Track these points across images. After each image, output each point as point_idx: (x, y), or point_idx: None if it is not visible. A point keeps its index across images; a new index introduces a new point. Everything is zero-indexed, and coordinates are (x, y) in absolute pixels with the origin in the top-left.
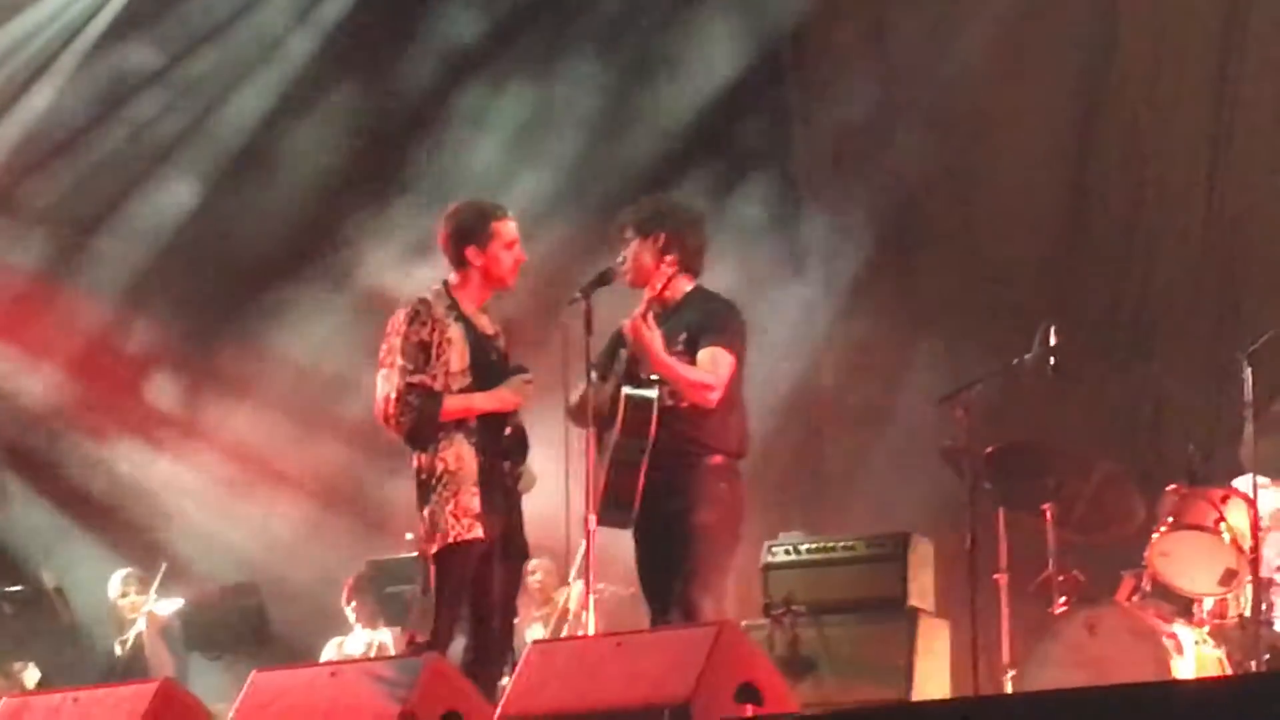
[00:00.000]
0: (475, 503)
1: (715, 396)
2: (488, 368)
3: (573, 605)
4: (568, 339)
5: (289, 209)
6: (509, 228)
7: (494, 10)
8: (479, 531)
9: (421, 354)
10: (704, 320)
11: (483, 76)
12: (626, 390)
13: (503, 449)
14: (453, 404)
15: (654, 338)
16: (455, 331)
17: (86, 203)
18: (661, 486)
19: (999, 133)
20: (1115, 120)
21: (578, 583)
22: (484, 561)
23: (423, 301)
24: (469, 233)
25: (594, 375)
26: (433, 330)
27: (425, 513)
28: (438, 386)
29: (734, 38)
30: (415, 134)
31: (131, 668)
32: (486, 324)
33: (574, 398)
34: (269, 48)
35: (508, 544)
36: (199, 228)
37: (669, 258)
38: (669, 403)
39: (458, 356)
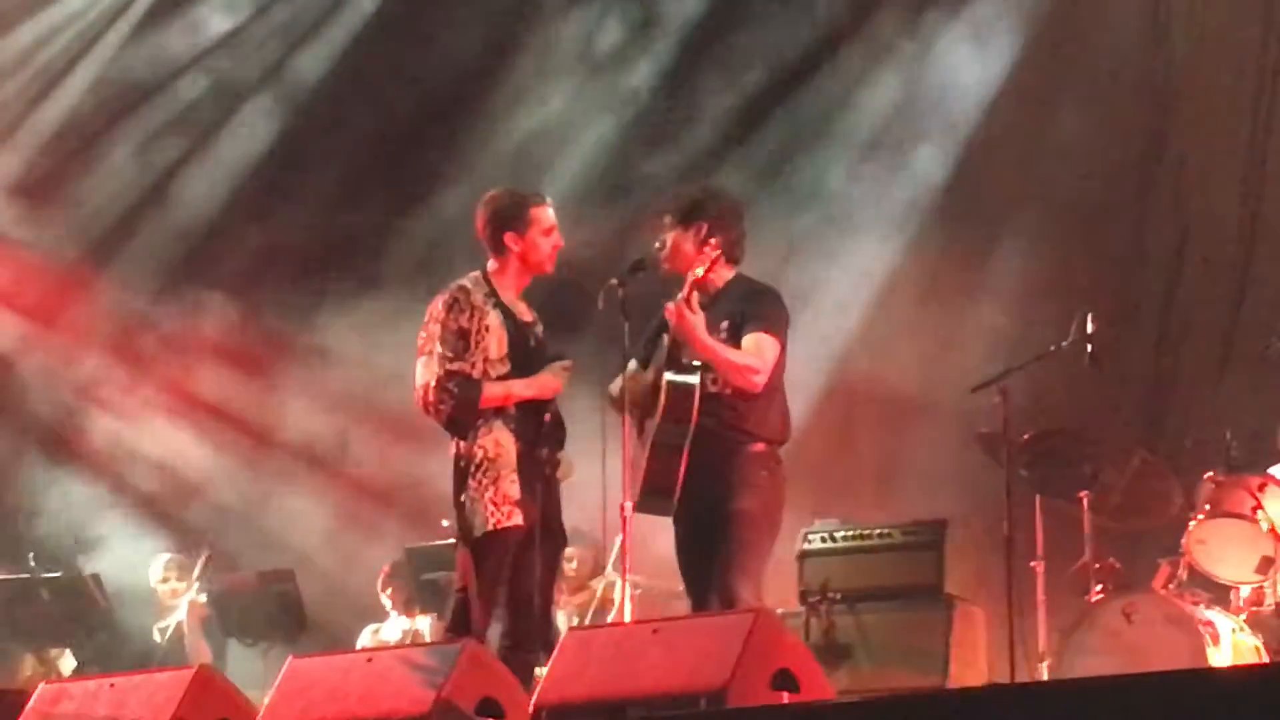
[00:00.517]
0: (515, 490)
1: (760, 380)
2: (526, 354)
3: (615, 595)
4: (604, 325)
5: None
6: (547, 214)
7: None
8: (518, 519)
9: (460, 341)
10: (747, 307)
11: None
12: (668, 376)
13: (541, 436)
14: (492, 391)
15: (697, 321)
16: (494, 318)
17: (127, 188)
18: (703, 473)
19: (1032, 125)
20: (1150, 110)
21: (614, 574)
22: (522, 548)
23: (461, 289)
24: (507, 219)
25: (635, 362)
26: (471, 317)
27: (463, 499)
28: (476, 374)
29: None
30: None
31: (170, 655)
32: (524, 310)
33: (615, 385)
34: None
35: (546, 531)
36: (239, 213)
37: (714, 245)
38: (711, 389)
39: (496, 343)
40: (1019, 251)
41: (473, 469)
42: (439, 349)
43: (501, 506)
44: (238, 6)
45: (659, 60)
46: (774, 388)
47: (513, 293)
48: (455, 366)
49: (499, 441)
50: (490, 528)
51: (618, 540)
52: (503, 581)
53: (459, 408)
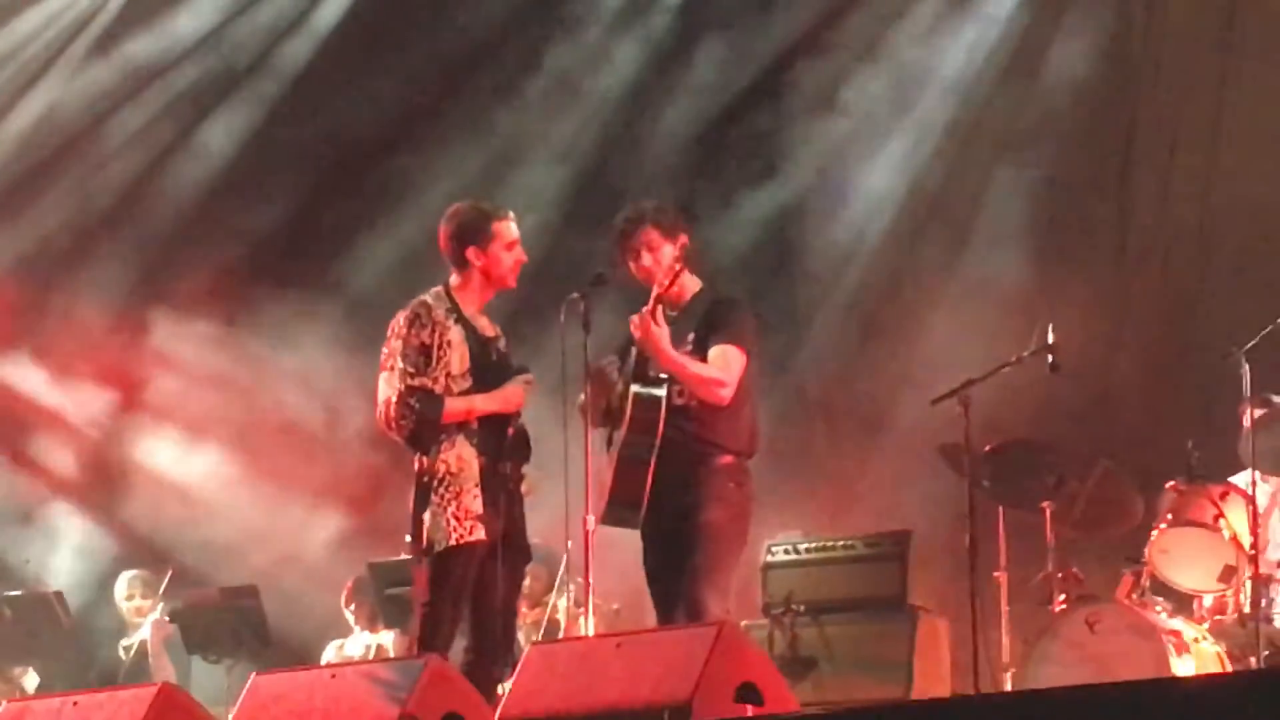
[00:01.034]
0: (477, 504)
1: (727, 393)
2: (489, 369)
3: (560, 616)
4: (566, 339)
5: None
6: (509, 228)
7: None
8: (481, 533)
9: (422, 357)
10: (714, 318)
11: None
12: (635, 388)
13: (505, 450)
14: (454, 406)
15: (662, 335)
16: (456, 333)
17: (98, 192)
18: (670, 485)
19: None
20: (1115, 120)
21: (560, 595)
22: (486, 563)
23: (423, 304)
24: (469, 233)
25: (609, 357)
26: (433, 332)
27: (425, 515)
28: (439, 389)
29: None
30: None
31: (134, 672)
32: (487, 325)
33: (580, 398)
34: None
35: (509, 546)
36: (209, 222)
37: (680, 258)
38: (679, 401)
39: (458, 359)
40: (980, 262)
41: (435, 484)
42: (400, 364)
43: (464, 521)
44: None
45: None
46: (742, 400)
47: (475, 307)
48: (417, 382)
49: (461, 456)
50: (453, 542)
51: (565, 559)
52: (466, 596)
53: (421, 423)
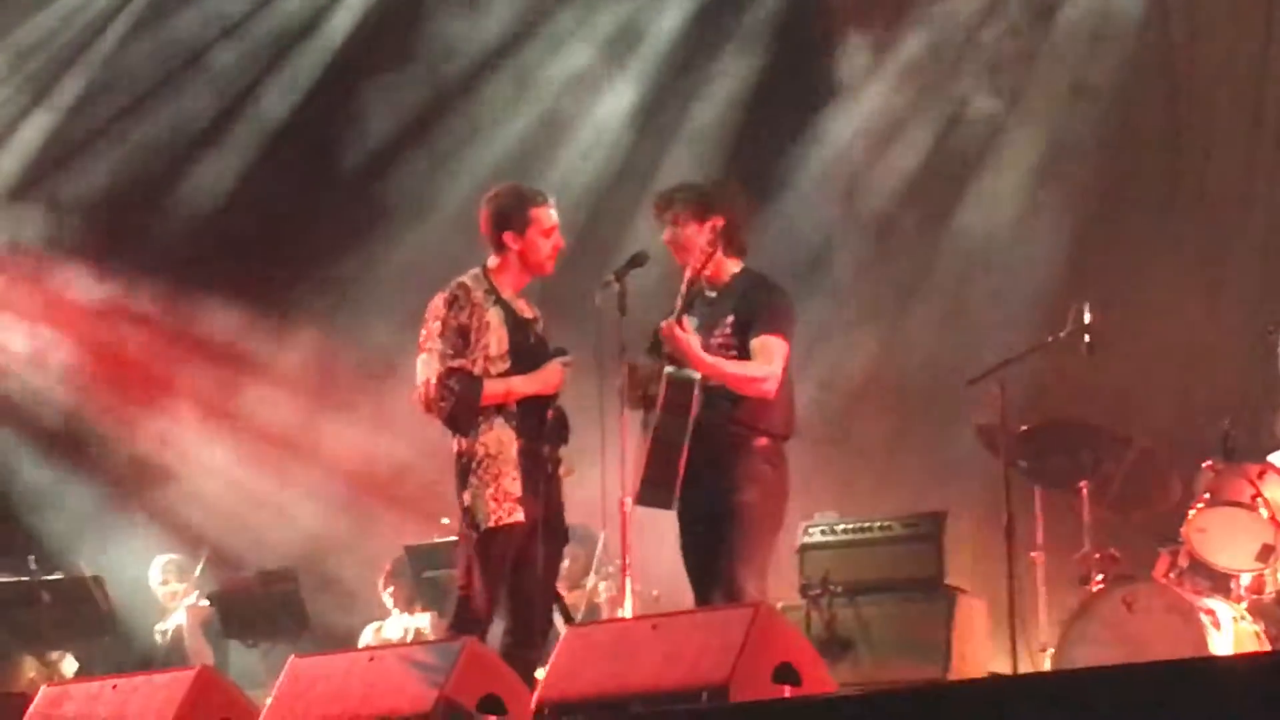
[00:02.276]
0: (516, 486)
1: (771, 387)
2: (527, 351)
3: (600, 600)
4: (602, 322)
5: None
6: (547, 214)
7: None
8: (519, 515)
9: (460, 338)
10: (754, 307)
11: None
12: (668, 370)
13: (543, 433)
14: (493, 388)
15: (692, 341)
16: (494, 315)
17: (125, 182)
18: (706, 467)
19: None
20: (1150, 98)
21: (597, 577)
22: (525, 545)
23: (461, 286)
24: (507, 218)
25: (641, 356)
26: (471, 314)
27: (465, 497)
28: (477, 371)
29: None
30: None
31: (171, 656)
32: (524, 307)
33: (619, 382)
34: None
35: (548, 528)
36: (239, 212)
37: (713, 241)
38: (714, 384)
39: (496, 341)
40: (1019, 241)
41: (474, 466)
42: (439, 346)
43: (503, 503)
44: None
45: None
46: (779, 383)
47: (512, 290)
48: (456, 364)
49: (500, 439)
50: (492, 524)
51: (602, 540)
52: (505, 578)
53: (460, 405)
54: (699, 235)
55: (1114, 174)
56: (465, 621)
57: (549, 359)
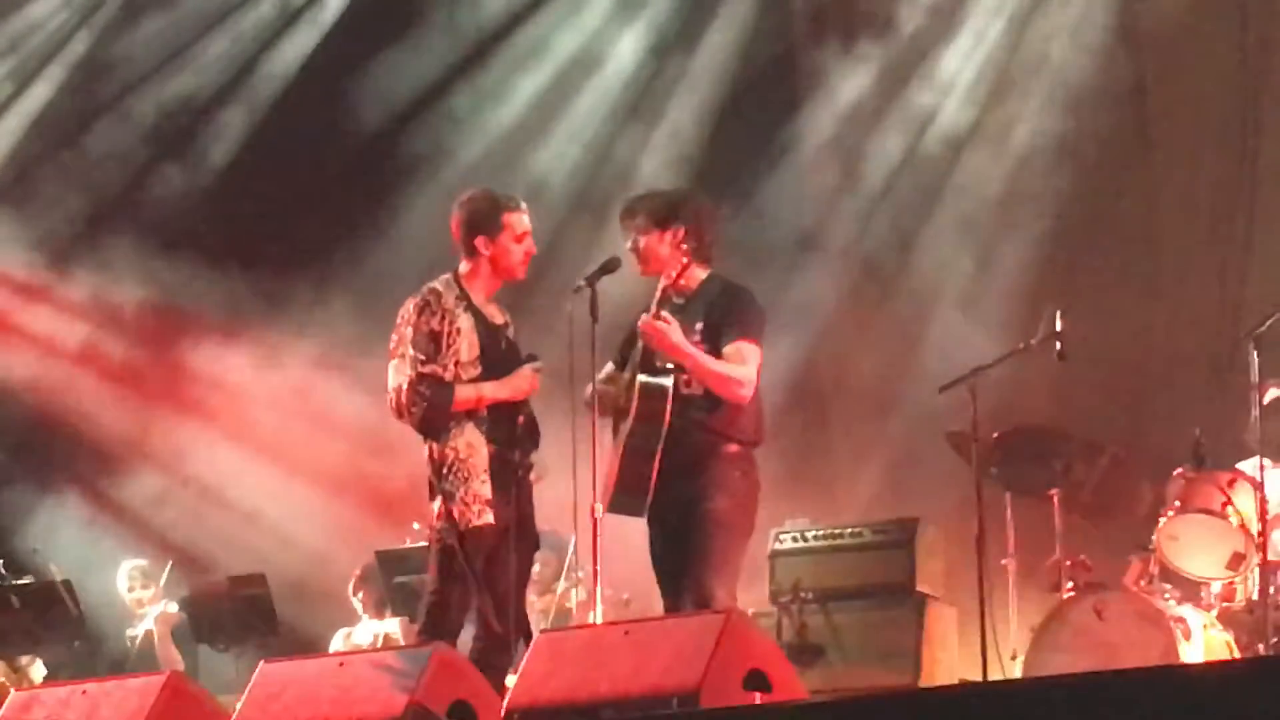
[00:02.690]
0: (485, 489)
1: (747, 392)
2: (497, 357)
3: (570, 604)
4: (574, 328)
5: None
6: (519, 219)
7: None
8: (489, 518)
9: (432, 344)
10: (725, 312)
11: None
12: (641, 378)
13: (514, 438)
14: (464, 393)
15: (673, 331)
16: (465, 321)
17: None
18: (677, 474)
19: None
20: (1123, 101)
21: (568, 581)
22: (496, 550)
23: (433, 291)
24: (479, 223)
25: (611, 364)
26: (443, 320)
27: (437, 501)
28: (448, 377)
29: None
30: None
31: (141, 661)
32: (496, 313)
33: (589, 388)
34: None
35: (519, 533)
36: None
37: (685, 249)
38: (686, 391)
39: (468, 346)
40: (988, 248)
41: (446, 471)
42: (410, 352)
43: (473, 505)
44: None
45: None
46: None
47: (484, 295)
48: (427, 369)
49: (471, 443)
50: (463, 527)
51: (572, 545)
52: (476, 582)
53: (431, 411)
54: (659, 245)
55: (1086, 181)
56: (437, 627)
57: (520, 365)
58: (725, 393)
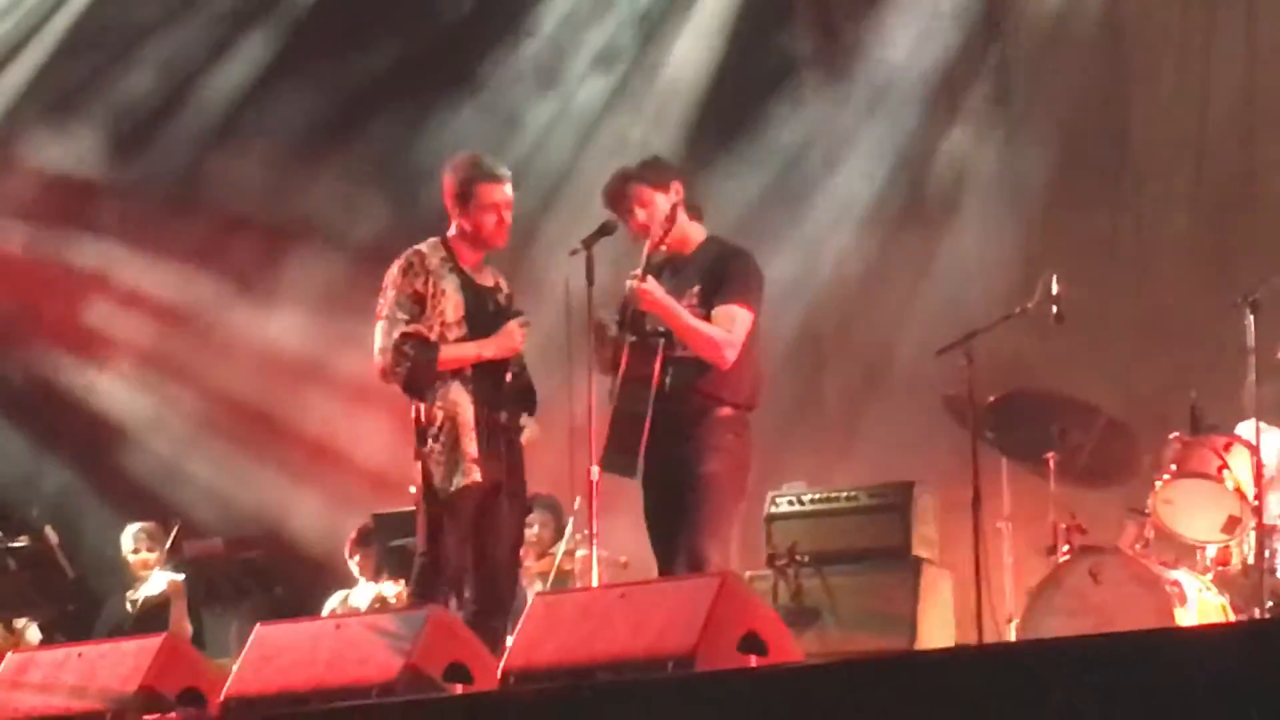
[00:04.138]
0: (472, 448)
1: (731, 355)
2: (485, 318)
3: (570, 566)
4: (570, 290)
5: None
6: (492, 191)
7: None
8: (476, 475)
9: (416, 305)
10: (720, 273)
11: None
12: (631, 340)
13: (500, 398)
14: (449, 352)
15: (662, 295)
16: (450, 283)
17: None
18: (670, 436)
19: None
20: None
21: (574, 543)
22: (486, 512)
23: (416, 253)
24: (457, 191)
25: (613, 325)
26: (426, 281)
27: (423, 461)
28: (434, 337)
29: None
30: None
31: (142, 624)
32: (487, 275)
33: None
34: None
35: (510, 495)
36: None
37: (675, 211)
38: (679, 353)
39: (453, 307)
40: (984, 212)
41: (432, 431)
42: (395, 313)
43: (460, 465)
44: None
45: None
46: (744, 352)
47: (471, 259)
48: (411, 329)
49: (456, 402)
50: (450, 488)
51: (576, 505)
52: (466, 542)
53: (415, 370)
54: (664, 203)
55: (1082, 145)
56: (428, 588)
57: (497, 328)
58: (707, 354)
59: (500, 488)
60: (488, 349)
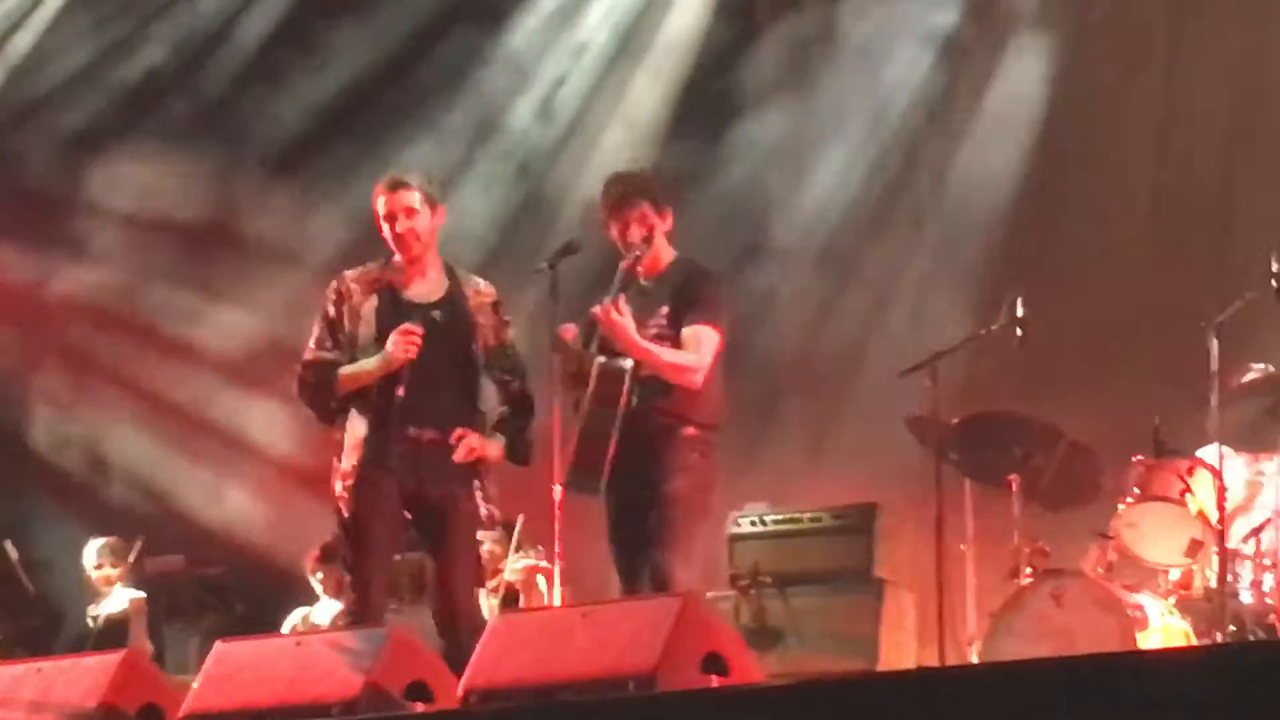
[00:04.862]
0: (352, 468)
1: (698, 378)
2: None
3: (514, 578)
4: (534, 310)
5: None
6: (378, 203)
7: None
8: (347, 505)
9: (326, 330)
10: (689, 294)
11: None
12: (599, 360)
13: (394, 412)
14: (345, 373)
15: (627, 325)
16: (369, 305)
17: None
18: (635, 456)
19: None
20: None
21: (519, 557)
22: (367, 528)
23: (339, 278)
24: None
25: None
26: (340, 305)
27: (338, 484)
28: (344, 360)
29: None
30: None
31: (102, 640)
32: (429, 292)
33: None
34: None
35: (412, 506)
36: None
37: (653, 237)
38: (644, 373)
39: (365, 330)
40: (947, 234)
41: (338, 456)
42: (310, 341)
43: (345, 484)
44: None
45: None
46: (710, 373)
47: (409, 274)
48: (312, 355)
49: (354, 425)
50: (343, 510)
51: (519, 524)
52: (372, 558)
53: (316, 394)
54: (665, 228)
55: (1048, 165)
56: (360, 607)
57: (447, 342)
58: (677, 380)
59: (389, 502)
60: (377, 365)
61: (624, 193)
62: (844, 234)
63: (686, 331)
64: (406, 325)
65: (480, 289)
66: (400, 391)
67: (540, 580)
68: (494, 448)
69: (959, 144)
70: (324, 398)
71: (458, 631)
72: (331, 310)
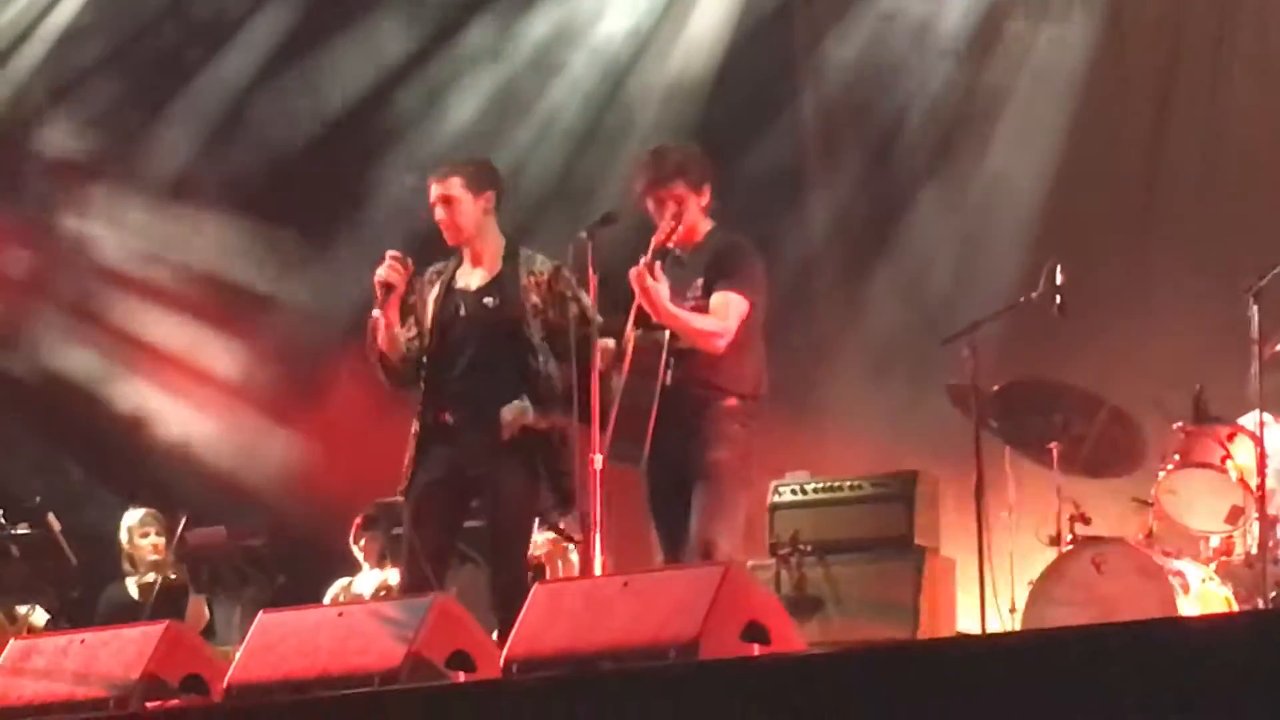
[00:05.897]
0: (413, 437)
1: (722, 343)
2: (449, 322)
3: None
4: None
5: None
6: (429, 191)
7: None
8: (406, 470)
9: (411, 316)
10: (720, 263)
11: None
12: (636, 333)
13: (435, 399)
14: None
15: (659, 290)
16: (433, 292)
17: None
18: (676, 428)
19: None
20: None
21: (543, 530)
22: (421, 506)
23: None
24: None
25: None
26: (413, 293)
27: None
28: (416, 344)
29: None
30: None
31: (150, 610)
32: (480, 276)
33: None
34: None
35: (449, 485)
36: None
37: (683, 213)
38: (683, 345)
39: (425, 317)
40: (988, 201)
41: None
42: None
43: (408, 462)
44: None
45: None
46: (746, 343)
47: (474, 259)
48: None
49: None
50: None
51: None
52: (408, 536)
53: (379, 362)
54: (698, 204)
55: (1091, 130)
56: (411, 578)
57: (470, 329)
58: (702, 345)
59: (435, 482)
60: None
61: (661, 172)
62: (886, 201)
63: (714, 298)
64: (376, 315)
65: (535, 268)
66: (456, 373)
67: (571, 551)
68: (522, 413)
69: (1002, 108)
70: (377, 361)
71: (506, 608)
72: (411, 298)
